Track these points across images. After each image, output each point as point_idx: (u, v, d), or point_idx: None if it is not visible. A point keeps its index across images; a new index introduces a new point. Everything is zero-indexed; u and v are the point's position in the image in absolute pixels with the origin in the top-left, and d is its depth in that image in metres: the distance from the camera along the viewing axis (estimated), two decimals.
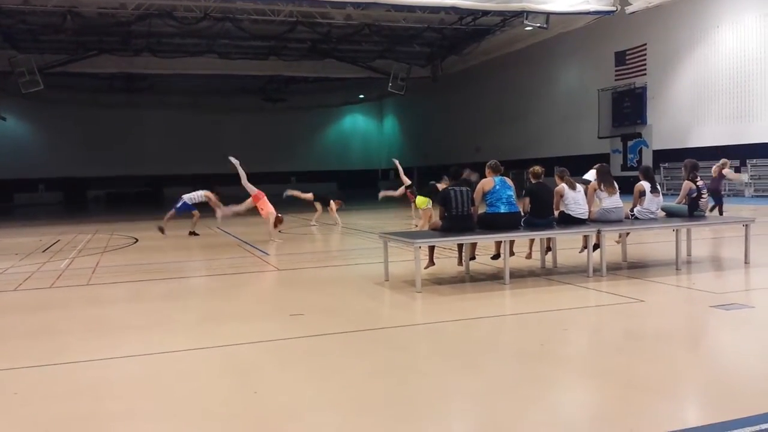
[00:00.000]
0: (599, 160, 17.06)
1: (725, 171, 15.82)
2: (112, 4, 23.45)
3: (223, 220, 15.95)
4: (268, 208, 14.05)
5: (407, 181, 17.08)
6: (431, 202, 14.13)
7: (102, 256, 12.38)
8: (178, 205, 15.48)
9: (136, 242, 15.00)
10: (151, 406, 4.29)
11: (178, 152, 46.83)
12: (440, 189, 13.59)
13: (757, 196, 23.35)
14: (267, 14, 24.92)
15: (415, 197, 17.87)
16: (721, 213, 14.72)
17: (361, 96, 48.57)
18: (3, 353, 5.72)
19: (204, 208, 15.84)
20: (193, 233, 15.44)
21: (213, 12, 24.34)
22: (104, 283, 9.43)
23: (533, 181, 8.93)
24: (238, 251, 12.82)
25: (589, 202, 9.10)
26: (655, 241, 11.66)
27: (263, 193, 14.23)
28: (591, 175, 14.29)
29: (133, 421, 4.07)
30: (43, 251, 13.46)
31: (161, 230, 15.44)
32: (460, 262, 9.19)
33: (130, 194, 44.24)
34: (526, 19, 22.03)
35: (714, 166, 15.81)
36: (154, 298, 8.33)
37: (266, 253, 12.11)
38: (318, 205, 17.85)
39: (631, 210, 9.42)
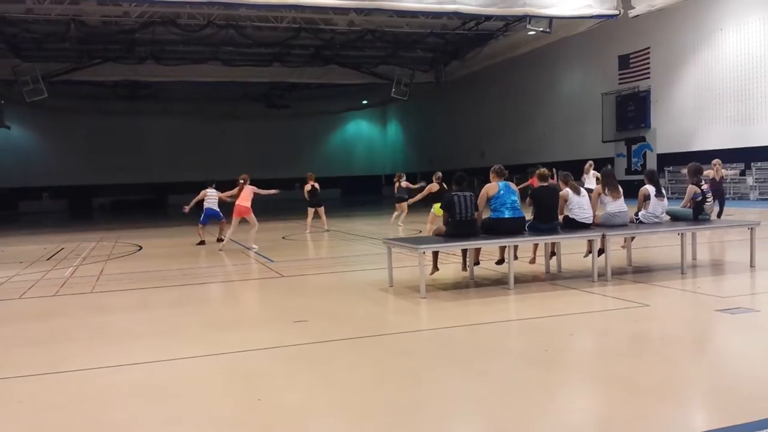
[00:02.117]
0: (604, 164, 17.09)
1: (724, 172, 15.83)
2: (115, 13, 23.52)
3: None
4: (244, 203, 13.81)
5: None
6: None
7: (106, 264, 12.40)
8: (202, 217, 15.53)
9: (140, 250, 15.02)
10: (156, 414, 4.28)
11: (182, 159, 46.95)
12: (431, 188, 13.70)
13: (762, 200, 23.27)
14: (270, 21, 24.97)
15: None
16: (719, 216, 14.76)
17: (365, 102, 48.62)
18: (8, 361, 5.72)
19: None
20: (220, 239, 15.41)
21: (216, 19, 24.41)
22: (108, 290, 9.44)
23: (539, 183, 8.90)
24: (242, 258, 12.82)
25: (594, 207, 9.08)
26: (660, 245, 11.62)
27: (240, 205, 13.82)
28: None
29: (138, 428, 4.06)
30: (48, 259, 13.48)
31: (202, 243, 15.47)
32: (464, 268, 9.17)
33: (134, 202, 44.33)
34: (529, 23, 22.00)
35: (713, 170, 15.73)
36: (158, 306, 8.33)
37: (270, 260, 12.10)
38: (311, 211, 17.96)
39: (636, 214, 9.40)
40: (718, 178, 15.34)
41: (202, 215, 15.57)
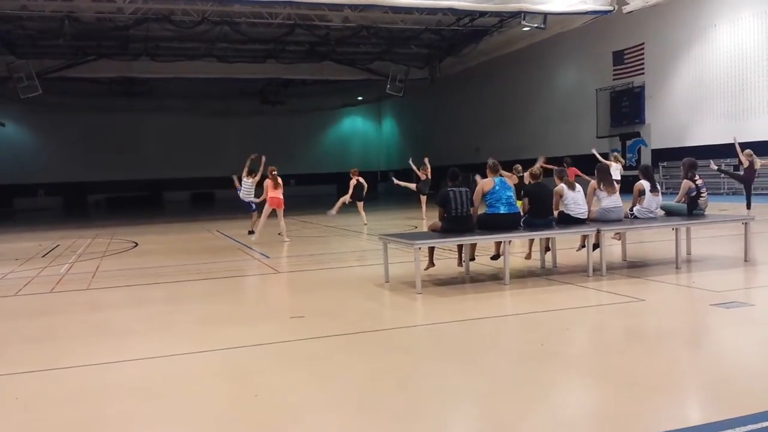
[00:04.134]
0: (598, 160, 17.05)
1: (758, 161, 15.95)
2: (109, 9, 23.43)
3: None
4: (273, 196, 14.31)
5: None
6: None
7: (102, 261, 12.38)
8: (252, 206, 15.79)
9: (135, 246, 15.00)
10: (152, 410, 4.29)
11: (178, 156, 46.85)
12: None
13: (756, 194, 23.30)
14: (264, 17, 24.92)
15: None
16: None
17: (360, 98, 48.53)
18: (4, 358, 5.71)
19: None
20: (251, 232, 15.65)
21: (211, 16, 24.34)
22: (104, 287, 9.43)
23: (531, 182, 8.94)
24: (238, 254, 12.82)
25: (589, 202, 9.11)
26: (654, 240, 11.67)
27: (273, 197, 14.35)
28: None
29: (135, 425, 4.07)
30: (43, 256, 13.45)
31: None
32: (459, 263, 9.20)
33: (129, 198, 44.22)
34: (524, 19, 22.02)
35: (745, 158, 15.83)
36: (154, 302, 8.33)
37: (266, 256, 12.11)
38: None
39: (631, 209, 9.43)
40: (755, 166, 15.59)
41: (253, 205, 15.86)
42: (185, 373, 5.09)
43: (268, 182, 14.49)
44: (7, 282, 10.08)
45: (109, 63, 29.73)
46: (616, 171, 17.10)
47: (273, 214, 14.49)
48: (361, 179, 18.10)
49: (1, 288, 9.55)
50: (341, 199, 18.17)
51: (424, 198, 18.97)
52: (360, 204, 18.12)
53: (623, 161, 17.91)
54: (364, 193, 18.25)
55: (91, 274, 10.54)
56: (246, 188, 15.69)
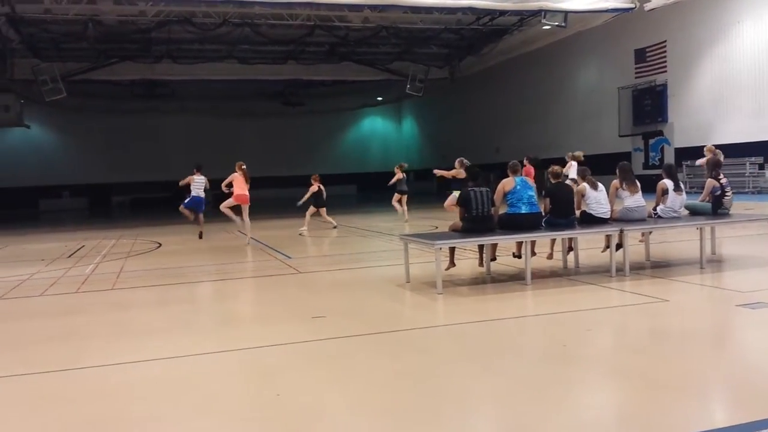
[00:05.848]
0: (620, 158, 16.87)
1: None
2: (131, 12, 23.72)
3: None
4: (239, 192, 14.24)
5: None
6: None
7: (126, 261, 12.51)
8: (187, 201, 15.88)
9: (159, 247, 15.14)
10: (175, 409, 4.33)
11: (199, 157, 47.02)
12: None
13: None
14: (285, 19, 25.04)
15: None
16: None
17: (380, 98, 48.57)
18: (29, 357, 5.79)
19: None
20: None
21: (231, 17, 24.52)
22: (128, 287, 9.53)
23: (553, 182, 8.89)
24: (259, 254, 12.88)
25: (611, 202, 9.04)
26: (678, 240, 11.54)
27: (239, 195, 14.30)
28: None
29: (157, 424, 4.11)
30: (69, 257, 13.62)
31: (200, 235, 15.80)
32: (480, 263, 9.17)
33: (153, 199, 44.62)
34: (544, 18, 21.92)
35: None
36: (178, 302, 8.40)
37: (288, 257, 12.16)
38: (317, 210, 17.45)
39: (654, 209, 9.34)
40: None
41: (188, 199, 15.90)
42: (207, 373, 5.12)
43: (238, 177, 14.18)
44: (33, 282, 10.22)
45: (131, 65, 30.04)
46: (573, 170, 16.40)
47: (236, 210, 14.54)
48: (321, 186, 17.39)
49: (27, 288, 9.69)
50: (307, 214, 17.22)
51: (403, 198, 18.58)
52: (323, 210, 17.36)
53: (581, 154, 17.18)
54: (324, 198, 17.43)
55: (116, 275, 10.65)
56: (198, 183, 15.73)
